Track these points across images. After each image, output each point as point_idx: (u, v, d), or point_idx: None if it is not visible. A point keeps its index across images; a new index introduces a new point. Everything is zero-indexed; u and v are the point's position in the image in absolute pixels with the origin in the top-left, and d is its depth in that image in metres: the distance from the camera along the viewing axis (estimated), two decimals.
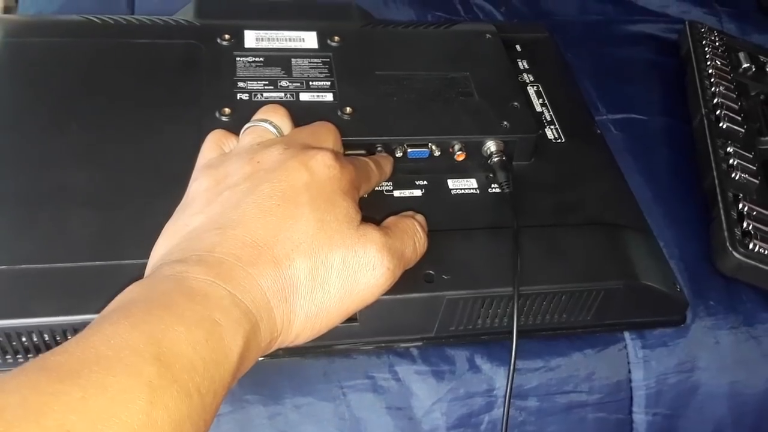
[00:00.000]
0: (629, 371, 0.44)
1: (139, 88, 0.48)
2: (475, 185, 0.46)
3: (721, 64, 0.65)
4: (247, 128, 0.40)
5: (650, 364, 0.45)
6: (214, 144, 0.40)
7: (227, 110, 0.45)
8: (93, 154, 0.43)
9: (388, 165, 0.44)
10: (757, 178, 0.53)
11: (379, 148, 0.45)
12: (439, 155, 0.47)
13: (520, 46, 0.60)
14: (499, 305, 0.41)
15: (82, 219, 0.39)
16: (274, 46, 0.52)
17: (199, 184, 0.36)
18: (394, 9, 0.68)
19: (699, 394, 0.45)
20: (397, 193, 0.45)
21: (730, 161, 0.54)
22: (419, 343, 0.42)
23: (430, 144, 0.46)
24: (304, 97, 0.48)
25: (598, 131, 0.54)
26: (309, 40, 0.53)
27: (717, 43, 0.68)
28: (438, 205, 0.44)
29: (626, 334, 0.45)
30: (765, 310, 0.48)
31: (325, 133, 0.40)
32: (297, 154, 0.36)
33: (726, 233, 0.48)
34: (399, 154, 0.46)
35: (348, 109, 0.47)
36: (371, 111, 0.47)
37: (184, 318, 0.28)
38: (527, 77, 0.57)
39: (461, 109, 0.49)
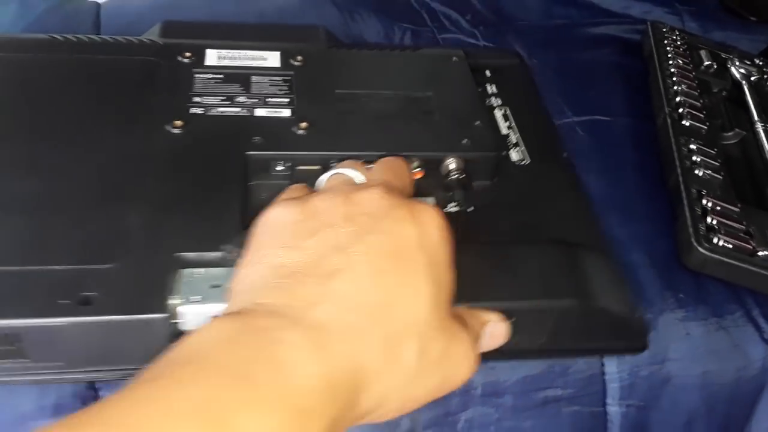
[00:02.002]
0: (602, 364, 0.45)
1: (93, 100, 0.48)
2: (433, 203, 0.45)
3: (683, 62, 0.67)
4: (330, 175, 0.39)
5: (623, 356, 0.46)
6: (292, 190, 0.39)
7: (179, 123, 0.45)
8: (36, 163, 0.42)
9: None
10: (720, 174, 0.55)
11: (333, 164, 0.44)
12: None
13: (491, 71, 0.59)
14: None
15: (15, 224, 0.38)
16: (236, 64, 0.52)
17: (281, 213, 0.32)
18: (360, 21, 0.69)
19: (671, 385, 0.46)
20: None
21: (694, 158, 0.55)
22: None
23: None
24: (260, 112, 0.48)
25: (565, 154, 0.54)
26: (271, 59, 0.53)
27: (679, 42, 0.70)
28: None
29: None
30: (733, 302, 0.50)
31: (402, 167, 0.40)
32: (401, 202, 0.32)
33: (691, 229, 0.49)
34: None
35: (303, 124, 0.46)
36: (328, 126, 0.47)
37: (262, 399, 0.24)
38: (495, 101, 0.57)
39: (421, 127, 0.49)
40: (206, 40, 0.53)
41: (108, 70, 0.50)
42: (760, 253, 0.49)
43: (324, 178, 0.40)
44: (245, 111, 0.48)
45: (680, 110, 0.60)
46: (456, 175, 0.46)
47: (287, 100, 0.49)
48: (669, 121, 0.59)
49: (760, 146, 0.60)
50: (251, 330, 0.26)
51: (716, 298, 0.50)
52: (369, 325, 0.28)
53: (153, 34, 0.55)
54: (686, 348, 0.47)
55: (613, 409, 0.46)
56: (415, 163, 0.46)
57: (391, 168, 0.40)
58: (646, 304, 0.48)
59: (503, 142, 0.52)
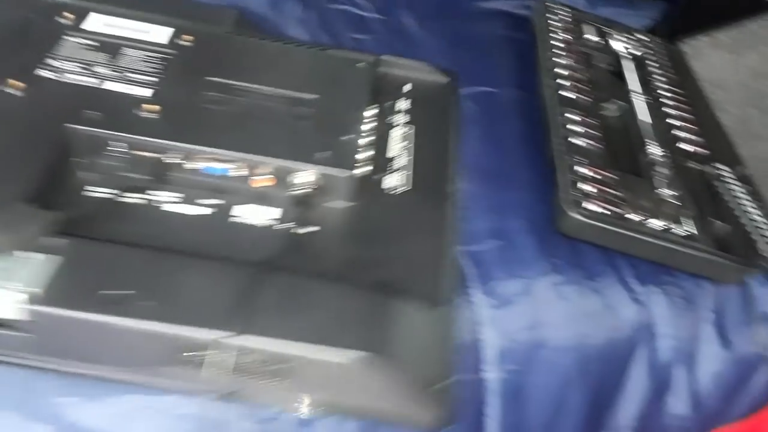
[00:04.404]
0: (477, 331, 0.46)
1: None
2: (278, 216, 0.42)
3: (569, 37, 0.68)
4: None
5: (499, 322, 0.46)
6: None
7: (13, 82, 0.42)
8: None
9: None
10: (598, 143, 0.56)
11: (172, 155, 0.41)
12: (242, 175, 0.42)
13: (412, 86, 0.55)
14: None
15: None
16: (116, 33, 0.49)
17: None
18: (282, 5, 0.67)
19: (546, 348, 0.47)
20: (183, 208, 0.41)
21: (574, 128, 0.57)
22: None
23: (234, 162, 0.42)
24: (111, 86, 0.45)
25: (452, 188, 0.49)
26: (158, 34, 0.50)
27: (565, 18, 0.72)
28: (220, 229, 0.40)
29: (476, 293, 0.47)
30: (605, 264, 0.51)
31: None
32: None
33: (564, 195, 0.50)
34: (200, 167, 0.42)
35: (151, 107, 0.43)
36: (180, 114, 0.44)
37: None
38: (401, 118, 0.52)
39: (283, 132, 0.45)
40: (99, 4, 0.50)
41: None
42: (630, 216, 0.50)
43: None
44: (97, 82, 0.44)
45: (563, 82, 0.62)
46: (302, 190, 0.42)
47: (154, 79, 0.46)
48: (552, 93, 0.60)
49: (634, 116, 0.62)
50: None
51: (590, 262, 0.51)
52: None
53: None
54: (560, 312, 0.48)
55: (491, 375, 0.46)
56: (263, 169, 0.42)
57: None
58: (523, 270, 0.49)
59: (384, 164, 0.48)
